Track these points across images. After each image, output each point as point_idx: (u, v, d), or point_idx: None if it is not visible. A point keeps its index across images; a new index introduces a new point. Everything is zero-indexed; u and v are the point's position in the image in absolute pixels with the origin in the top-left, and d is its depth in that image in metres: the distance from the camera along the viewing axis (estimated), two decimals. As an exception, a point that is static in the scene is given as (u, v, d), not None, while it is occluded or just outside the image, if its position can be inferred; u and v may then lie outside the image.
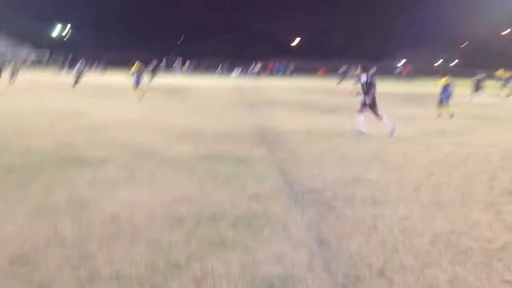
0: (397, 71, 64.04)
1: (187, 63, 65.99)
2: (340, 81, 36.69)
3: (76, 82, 23.57)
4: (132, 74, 20.14)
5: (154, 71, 32.94)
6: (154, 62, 35.07)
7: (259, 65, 60.71)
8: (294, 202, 5.54)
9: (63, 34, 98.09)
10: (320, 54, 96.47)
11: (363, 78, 11.60)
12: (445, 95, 15.58)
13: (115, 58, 67.85)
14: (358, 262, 3.94)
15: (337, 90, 31.70)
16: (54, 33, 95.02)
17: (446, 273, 3.78)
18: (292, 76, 58.67)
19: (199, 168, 7.17)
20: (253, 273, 3.71)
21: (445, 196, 5.99)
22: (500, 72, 32.08)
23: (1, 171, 6.58)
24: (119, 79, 34.88)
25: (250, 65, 61.07)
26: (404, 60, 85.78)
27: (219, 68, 64.88)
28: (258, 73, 58.46)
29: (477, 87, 25.11)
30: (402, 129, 11.73)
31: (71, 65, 57.52)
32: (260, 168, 7.30)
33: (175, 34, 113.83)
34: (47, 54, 63.63)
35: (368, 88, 11.40)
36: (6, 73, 24.36)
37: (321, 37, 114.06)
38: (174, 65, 64.88)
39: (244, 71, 59.74)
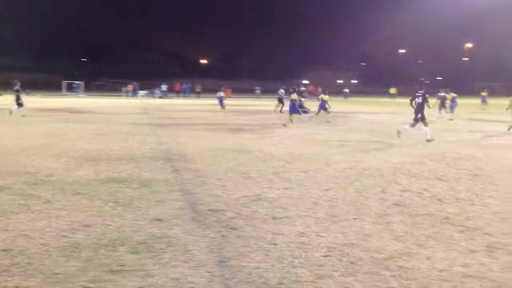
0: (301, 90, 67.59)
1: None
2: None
3: None
4: None
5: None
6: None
7: (165, 86, 60.58)
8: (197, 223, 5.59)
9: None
10: (229, 74, 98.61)
11: None
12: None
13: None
14: (256, 279, 4.05)
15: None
16: None
17: (337, 284, 3.99)
18: (199, 96, 58.77)
19: (100, 192, 7.00)
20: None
21: (340, 210, 6.32)
22: (392, 90, 34.31)
23: None
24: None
25: (157, 86, 60.72)
26: (307, 82, 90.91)
27: (125, 89, 63.10)
28: (165, 93, 58.47)
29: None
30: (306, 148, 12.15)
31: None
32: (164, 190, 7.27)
33: (82, 55, 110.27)
34: None
35: None
36: None
37: (230, 58, 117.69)
38: (74, 86, 62.77)
39: (152, 92, 59.06)
